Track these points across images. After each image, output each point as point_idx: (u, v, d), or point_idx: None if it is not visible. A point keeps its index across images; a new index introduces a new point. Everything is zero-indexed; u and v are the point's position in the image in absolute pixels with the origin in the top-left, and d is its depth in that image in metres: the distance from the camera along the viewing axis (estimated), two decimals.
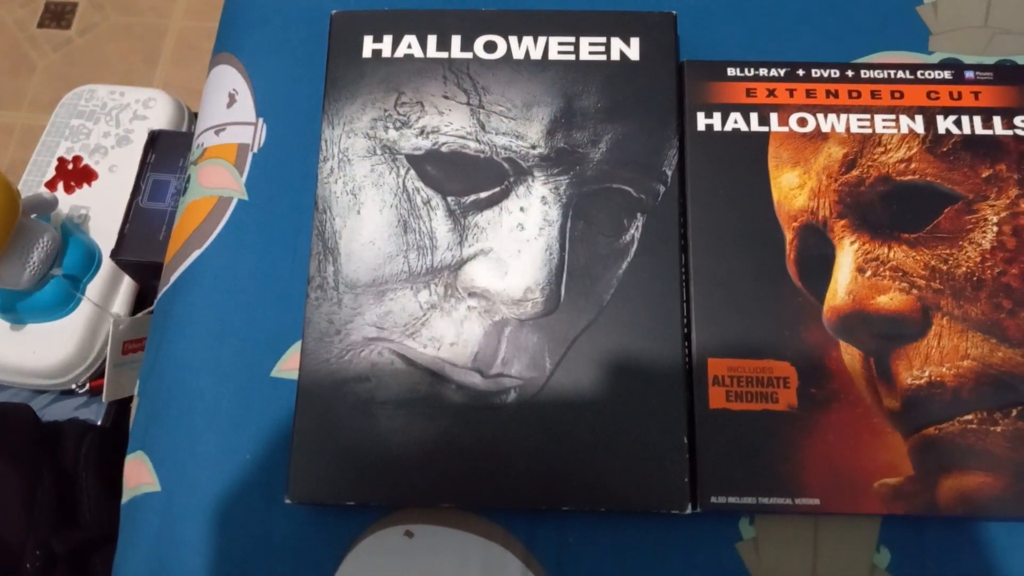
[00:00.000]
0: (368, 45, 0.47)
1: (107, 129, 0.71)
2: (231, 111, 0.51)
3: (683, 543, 0.41)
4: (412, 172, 0.45)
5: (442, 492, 0.41)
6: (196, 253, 0.48)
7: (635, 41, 0.47)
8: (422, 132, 0.45)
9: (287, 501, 0.40)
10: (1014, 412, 0.41)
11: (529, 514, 0.42)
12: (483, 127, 0.45)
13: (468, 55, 0.47)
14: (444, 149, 0.45)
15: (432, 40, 0.47)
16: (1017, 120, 0.45)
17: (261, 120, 0.50)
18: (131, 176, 0.66)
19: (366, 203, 0.44)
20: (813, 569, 0.41)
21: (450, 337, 0.42)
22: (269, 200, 0.48)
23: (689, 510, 0.40)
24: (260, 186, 0.49)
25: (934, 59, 0.49)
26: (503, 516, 0.42)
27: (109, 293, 0.66)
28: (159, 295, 0.49)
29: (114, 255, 0.62)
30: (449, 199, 0.44)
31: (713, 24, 0.50)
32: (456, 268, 0.43)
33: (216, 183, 0.49)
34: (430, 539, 0.42)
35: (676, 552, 0.41)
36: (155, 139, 0.67)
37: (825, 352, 0.42)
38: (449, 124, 0.45)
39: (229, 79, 0.52)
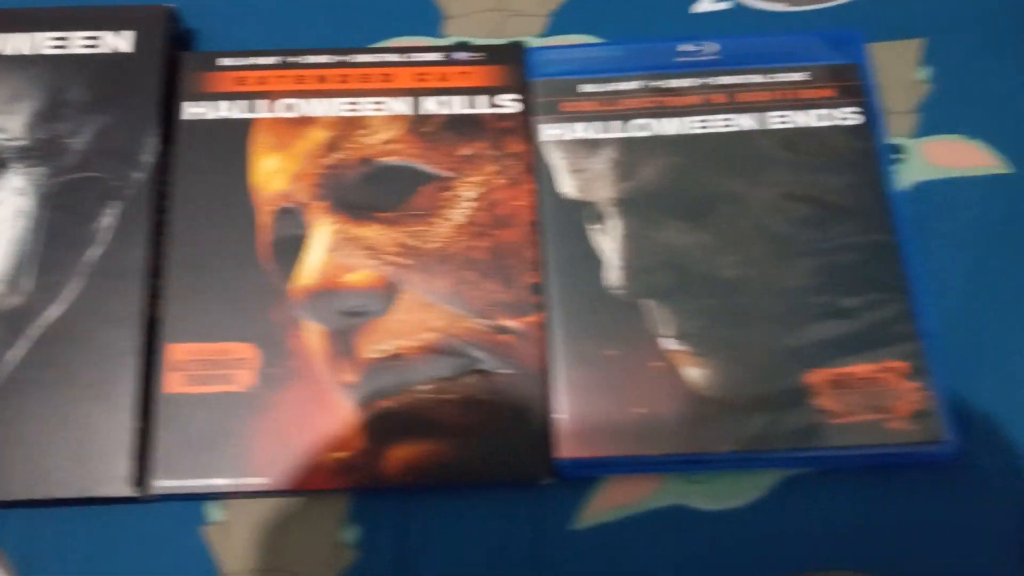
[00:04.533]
0: None
1: None
2: None
3: (144, 531, 0.41)
4: None
5: None
6: None
7: (129, 34, 0.47)
8: None
9: None
10: (467, 379, 0.41)
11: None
12: None
13: None
14: None
15: None
16: (500, 98, 0.47)
17: None
18: None
19: None
20: (281, 549, 0.40)
21: None
22: None
23: (131, 494, 0.39)
24: None
25: (447, 42, 0.50)
26: None
27: None
28: None
29: None
30: None
31: (232, 16, 0.50)
32: None
33: None
34: None
35: (136, 541, 0.40)
36: None
37: (289, 332, 0.42)
38: None
39: None
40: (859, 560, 0.39)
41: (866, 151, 0.44)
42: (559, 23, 0.50)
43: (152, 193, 0.44)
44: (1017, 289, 0.43)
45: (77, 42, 0.46)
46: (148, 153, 0.44)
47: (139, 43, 0.46)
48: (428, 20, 0.50)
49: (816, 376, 0.40)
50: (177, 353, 0.42)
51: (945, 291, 0.43)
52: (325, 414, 0.41)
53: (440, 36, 0.50)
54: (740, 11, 0.50)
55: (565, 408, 0.41)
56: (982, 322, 0.43)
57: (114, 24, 0.47)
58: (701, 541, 0.40)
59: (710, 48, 0.47)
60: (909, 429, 0.39)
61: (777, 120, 0.45)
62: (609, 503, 0.41)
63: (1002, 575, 0.38)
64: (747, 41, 0.48)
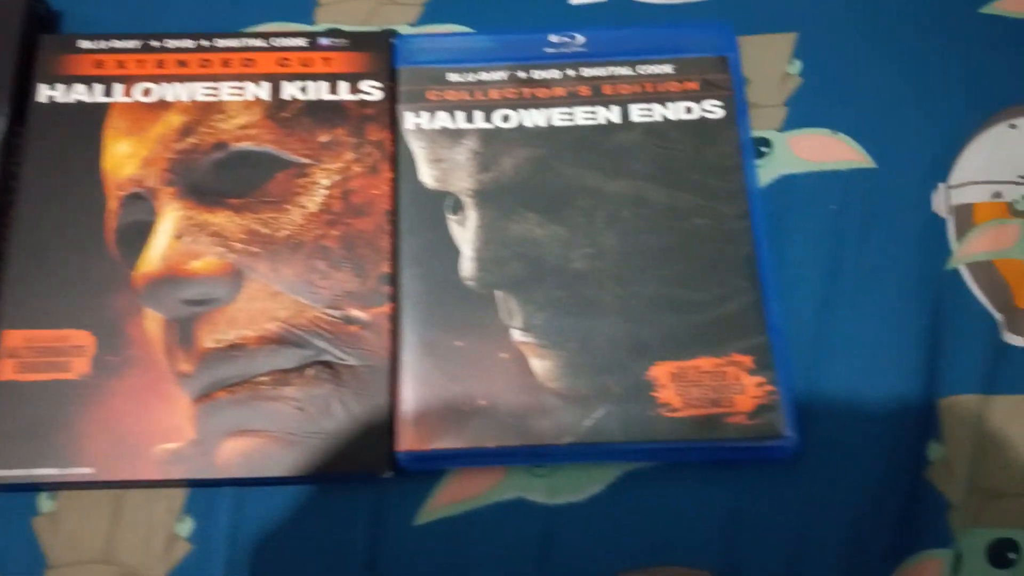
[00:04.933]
0: None
1: None
2: None
3: None
4: None
5: None
6: None
7: None
8: None
9: None
10: (309, 371, 0.40)
11: None
12: None
13: None
14: None
15: None
16: (363, 84, 0.46)
17: None
18: None
19: None
20: (112, 541, 0.39)
21: None
22: None
23: None
24: None
25: (316, 29, 0.49)
26: None
27: None
28: None
29: None
30: None
31: (103, 1, 0.49)
32: None
33: None
34: None
35: None
36: None
37: (128, 319, 0.41)
38: None
39: None
40: (692, 556, 0.38)
41: (725, 145, 0.43)
42: (434, 12, 0.49)
43: None
44: (868, 284, 0.42)
45: None
46: None
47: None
48: (301, 7, 0.49)
49: (660, 369, 0.39)
50: (11, 340, 0.40)
51: (799, 285, 0.42)
52: (158, 404, 0.40)
53: (311, 23, 0.49)
54: (620, 3, 0.49)
55: (408, 400, 0.40)
56: (832, 316, 0.42)
57: None
58: (538, 536, 0.38)
59: (580, 40, 0.47)
60: (749, 424, 0.38)
61: (640, 113, 0.45)
62: (451, 497, 0.40)
63: (830, 572, 0.37)
64: (617, 33, 0.47)
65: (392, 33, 0.48)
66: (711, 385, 0.39)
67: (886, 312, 0.42)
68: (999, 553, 0.38)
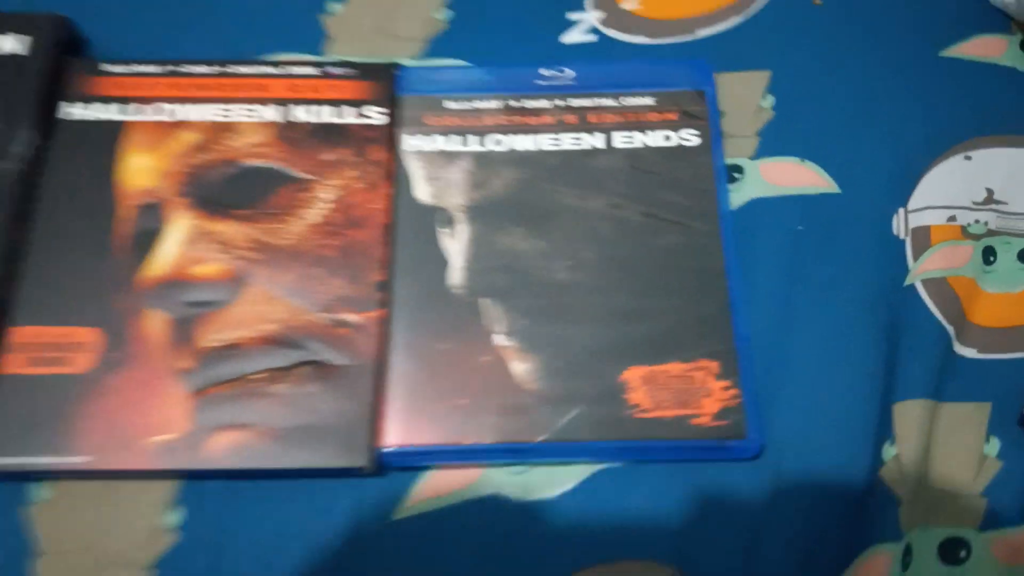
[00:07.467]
0: None
1: None
2: None
3: None
4: None
5: None
6: None
7: (26, 39, 0.49)
8: None
9: None
10: (300, 370, 0.42)
11: None
12: None
13: None
14: None
15: None
16: (367, 109, 0.49)
17: None
18: None
19: None
20: (103, 530, 0.41)
21: None
22: None
23: None
24: None
25: (327, 60, 0.53)
26: None
27: None
28: None
29: None
30: None
31: (127, 29, 0.53)
32: None
33: None
34: None
35: None
36: None
37: (133, 319, 0.43)
38: None
39: None
40: (657, 550, 0.39)
41: (700, 169, 0.47)
42: (436, 48, 0.53)
43: (18, 184, 0.46)
44: (829, 297, 0.45)
45: None
46: (19, 145, 0.47)
47: (33, 47, 0.49)
48: (312, 39, 0.53)
49: (631, 373, 0.41)
50: (21, 336, 0.43)
51: (764, 297, 0.45)
52: (155, 398, 0.42)
53: (321, 55, 0.53)
54: (605, 42, 0.53)
55: (393, 398, 0.42)
56: (795, 326, 0.44)
57: (14, 28, 0.50)
58: (510, 531, 0.40)
59: (568, 74, 0.50)
60: (714, 425, 0.40)
61: (622, 140, 0.48)
62: (429, 493, 0.41)
63: (788, 565, 0.39)
64: (604, 68, 0.50)
65: (396, 65, 0.51)
66: (680, 388, 0.41)
67: (846, 323, 0.44)
68: (949, 551, 0.39)
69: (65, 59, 0.50)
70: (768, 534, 0.40)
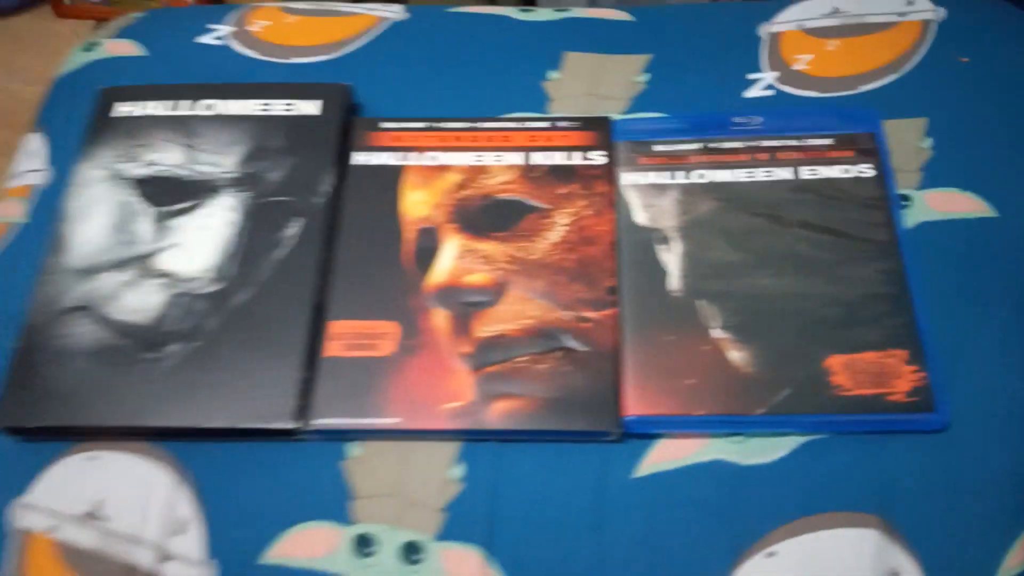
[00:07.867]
0: (117, 108, 0.64)
1: None
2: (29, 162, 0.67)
3: (295, 461, 0.52)
4: (132, 191, 0.60)
5: (120, 421, 0.53)
6: None
7: (317, 103, 0.64)
8: (146, 164, 0.61)
9: None
10: (554, 355, 0.53)
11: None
12: (192, 160, 0.61)
13: (189, 112, 0.63)
14: (160, 174, 0.61)
15: (166, 104, 0.64)
16: (590, 153, 0.61)
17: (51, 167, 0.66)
18: None
19: (92, 214, 0.60)
20: (403, 481, 0.51)
21: (137, 304, 0.56)
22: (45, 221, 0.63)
23: (296, 427, 0.51)
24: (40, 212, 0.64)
25: (552, 116, 0.65)
26: (173, 445, 0.53)
27: None
28: None
29: None
30: (160, 208, 0.59)
31: (394, 95, 0.67)
32: (152, 256, 0.57)
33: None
34: (113, 463, 0.53)
35: (288, 469, 0.52)
36: None
37: (422, 315, 0.55)
38: (164, 157, 0.61)
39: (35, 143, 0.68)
40: (860, 504, 0.48)
41: (878, 196, 0.57)
42: (637, 106, 0.65)
43: (326, 214, 0.59)
44: (991, 303, 0.54)
45: (278, 107, 0.64)
46: (325, 185, 0.60)
47: (324, 109, 0.63)
48: (538, 101, 0.66)
49: (833, 360, 0.51)
50: (337, 328, 0.55)
51: (940, 300, 0.54)
52: (445, 375, 0.53)
53: (546, 112, 0.65)
54: (781, 97, 0.64)
55: (631, 378, 0.52)
56: (966, 325, 0.53)
57: (306, 95, 0.64)
58: (735, 489, 0.49)
59: (756, 120, 0.61)
60: (907, 401, 0.49)
61: (807, 172, 0.58)
62: (661, 458, 0.51)
63: (986, 528, 0.47)
64: (787, 115, 0.61)
65: (607, 120, 0.63)
66: (875, 372, 0.50)
67: (1012, 323, 0.53)
68: None
69: (350, 118, 0.64)
70: (963, 499, 0.48)
